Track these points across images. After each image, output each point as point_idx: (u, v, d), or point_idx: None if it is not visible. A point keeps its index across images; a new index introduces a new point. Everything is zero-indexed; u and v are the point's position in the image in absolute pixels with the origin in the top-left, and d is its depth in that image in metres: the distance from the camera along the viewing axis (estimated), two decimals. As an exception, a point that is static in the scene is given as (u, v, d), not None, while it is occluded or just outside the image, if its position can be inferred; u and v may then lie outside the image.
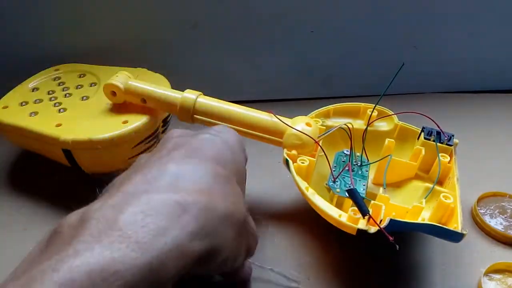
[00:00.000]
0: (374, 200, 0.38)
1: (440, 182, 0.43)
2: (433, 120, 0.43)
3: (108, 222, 0.21)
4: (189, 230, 0.22)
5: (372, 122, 0.46)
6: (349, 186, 0.40)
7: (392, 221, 0.32)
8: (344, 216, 0.34)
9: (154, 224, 0.21)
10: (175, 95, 0.44)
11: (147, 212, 0.21)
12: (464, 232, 0.33)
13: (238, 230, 0.26)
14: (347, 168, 0.42)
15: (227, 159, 0.29)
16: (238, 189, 0.28)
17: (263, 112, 0.43)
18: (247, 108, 0.43)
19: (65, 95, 0.51)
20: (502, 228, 0.44)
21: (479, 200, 0.47)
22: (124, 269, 0.19)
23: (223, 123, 0.43)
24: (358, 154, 0.45)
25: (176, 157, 0.27)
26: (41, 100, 0.50)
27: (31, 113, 0.48)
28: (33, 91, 0.52)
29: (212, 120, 0.43)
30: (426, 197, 0.40)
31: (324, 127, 0.45)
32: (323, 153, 0.40)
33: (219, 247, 0.24)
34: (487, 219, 0.45)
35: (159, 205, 0.22)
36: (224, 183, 0.26)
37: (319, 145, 0.41)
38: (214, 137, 0.30)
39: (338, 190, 0.41)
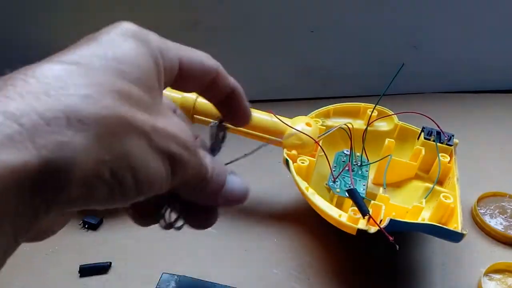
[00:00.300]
0: (374, 200, 0.38)
1: (440, 182, 0.43)
2: (433, 120, 0.43)
3: None
4: None
5: (372, 122, 0.46)
6: (349, 186, 0.40)
7: (392, 221, 0.32)
8: (344, 216, 0.34)
9: None
10: (175, 95, 0.44)
11: None
12: (464, 232, 0.33)
13: (111, 129, 0.18)
14: (347, 168, 0.42)
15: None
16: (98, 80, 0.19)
17: (263, 112, 0.43)
18: (247, 108, 0.43)
19: (65, 95, 0.51)
20: (502, 228, 0.44)
21: (479, 200, 0.47)
22: None
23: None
24: (358, 154, 0.45)
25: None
26: (41, 100, 0.50)
27: (31, 113, 0.48)
28: (33, 91, 0.52)
29: (212, 120, 0.43)
30: (426, 197, 0.40)
31: (324, 127, 0.45)
32: (323, 153, 0.40)
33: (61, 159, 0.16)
34: (487, 219, 0.45)
35: None
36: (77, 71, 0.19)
37: (319, 145, 0.41)
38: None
39: (338, 190, 0.41)
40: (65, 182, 0.16)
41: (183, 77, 0.24)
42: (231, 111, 0.27)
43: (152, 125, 0.20)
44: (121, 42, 0.20)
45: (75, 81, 0.18)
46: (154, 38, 0.22)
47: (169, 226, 0.25)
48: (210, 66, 0.25)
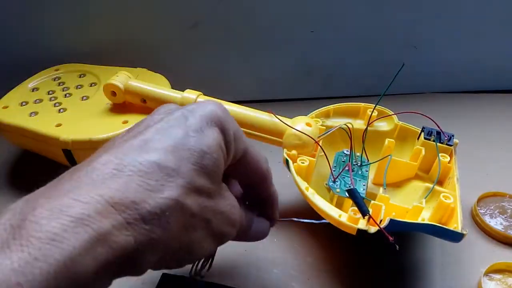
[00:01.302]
0: (374, 200, 0.38)
1: (440, 182, 0.43)
2: (433, 120, 0.43)
3: (14, 224, 0.18)
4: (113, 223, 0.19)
5: (372, 122, 0.46)
6: (349, 186, 0.40)
7: (392, 221, 0.32)
8: (344, 216, 0.34)
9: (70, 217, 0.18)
10: (175, 95, 0.44)
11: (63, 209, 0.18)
12: (464, 232, 0.33)
13: (183, 223, 0.22)
14: (347, 168, 0.42)
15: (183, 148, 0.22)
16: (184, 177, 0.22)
17: (263, 112, 0.43)
18: (247, 108, 0.43)
19: (65, 95, 0.51)
20: (502, 228, 0.44)
21: (479, 200, 0.47)
22: (25, 280, 0.16)
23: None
24: (358, 154, 0.45)
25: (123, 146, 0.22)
26: (41, 100, 0.50)
27: (31, 113, 0.48)
28: (33, 91, 0.52)
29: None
30: (426, 197, 0.40)
31: (324, 127, 0.45)
32: (323, 153, 0.40)
33: (152, 242, 0.20)
34: (487, 219, 0.45)
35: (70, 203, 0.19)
36: (166, 173, 0.21)
37: (319, 145, 0.41)
38: (182, 118, 0.23)
39: (338, 190, 0.41)
40: (140, 266, 0.21)
41: (238, 166, 0.27)
42: (262, 213, 0.31)
43: (214, 210, 0.24)
44: (206, 130, 0.23)
45: (168, 182, 0.21)
46: (233, 126, 0.25)
47: (197, 274, 0.32)
48: (263, 168, 0.29)
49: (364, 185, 0.42)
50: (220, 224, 0.24)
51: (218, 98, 0.44)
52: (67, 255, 0.17)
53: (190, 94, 0.44)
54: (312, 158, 0.40)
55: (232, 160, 0.25)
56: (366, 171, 0.44)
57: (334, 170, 0.43)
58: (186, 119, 0.23)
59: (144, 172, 0.20)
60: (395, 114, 0.46)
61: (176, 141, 0.22)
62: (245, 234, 0.29)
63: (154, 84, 0.46)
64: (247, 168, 0.27)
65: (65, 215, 0.18)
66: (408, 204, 0.39)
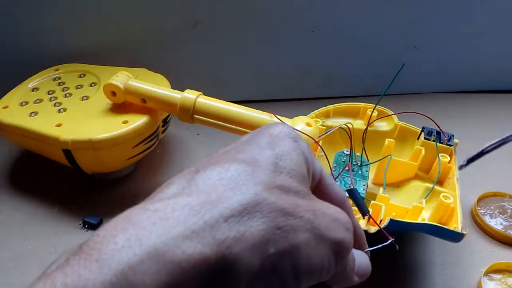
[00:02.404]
0: (374, 200, 0.38)
1: (440, 182, 0.43)
2: (433, 120, 0.43)
3: (83, 244, 0.17)
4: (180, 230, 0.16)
5: (372, 122, 0.46)
6: (349, 186, 0.40)
7: (392, 221, 0.32)
8: (344, 216, 0.34)
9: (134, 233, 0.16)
10: (175, 95, 0.44)
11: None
12: (464, 232, 0.33)
13: (273, 222, 0.19)
14: (347, 168, 0.42)
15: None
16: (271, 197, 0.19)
17: (263, 112, 0.43)
18: (247, 108, 0.43)
19: (65, 95, 0.51)
20: (502, 228, 0.44)
21: (479, 200, 0.47)
22: None
23: (224, 123, 0.43)
24: (358, 154, 0.45)
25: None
26: (41, 100, 0.50)
27: (31, 113, 0.48)
28: (33, 91, 0.52)
29: (212, 120, 0.43)
30: (426, 197, 0.40)
31: (324, 127, 0.45)
32: (323, 153, 0.40)
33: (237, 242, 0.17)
34: (487, 219, 0.45)
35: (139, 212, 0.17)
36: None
37: (319, 145, 0.41)
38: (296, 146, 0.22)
39: (338, 190, 0.40)
40: (235, 280, 0.17)
41: (317, 191, 0.24)
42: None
43: (313, 210, 0.20)
44: (278, 142, 0.22)
45: (245, 181, 0.19)
46: (305, 144, 0.23)
47: None
48: (342, 193, 0.25)
49: (364, 185, 0.42)
50: (328, 226, 0.20)
51: (218, 98, 0.44)
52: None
53: (190, 94, 0.44)
54: (312, 158, 0.40)
55: (313, 181, 0.23)
56: (366, 171, 0.44)
57: (334, 170, 0.43)
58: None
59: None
60: (395, 114, 0.46)
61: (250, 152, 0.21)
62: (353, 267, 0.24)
63: (154, 84, 0.46)
64: (326, 192, 0.25)
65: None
66: (408, 204, 0.39)
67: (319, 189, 0.24)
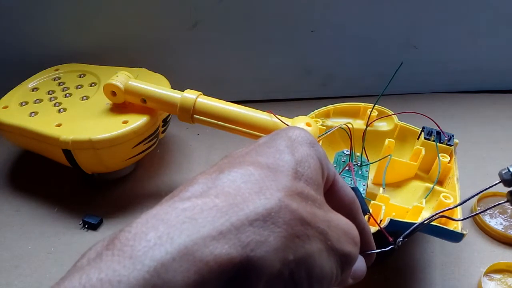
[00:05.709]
0: (374, 200, 0.38)
1: (440, 182, 0.43)
2: (433, 120, 0.43)
3: (114, 239, 0.17)
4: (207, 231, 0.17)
5: (372, 122, 0.46)
6: (351, 186, 0.40)
7: (392, 221, 0.32)
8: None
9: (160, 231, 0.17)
10: (175, 95, 0.44)
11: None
12: (464, 232, 0.33)
13: (294, 229, 0.19)
14: (347, 168, 0.42)
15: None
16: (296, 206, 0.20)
17: (263, 112, 0.43)
18: (247, 108, 0.43)
19: (65, 95, 0.51)
20: (502, 228, 0.44)
21: (479, 200, 0.47)
22: None
23: (224, 123, 0.43)
24: (358, 154, 0.45)
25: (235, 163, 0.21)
26: (41, 100, 0.50)
27: (31, 113, 0.48)
28: (33, 91, 0.52)
29: (212, 120, 0.43)
30: (426, 197, 0.40)
31: (324, 127, 0.45)
32: (323, 153, 0.40)
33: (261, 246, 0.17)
34: (487, 219, 0.45)
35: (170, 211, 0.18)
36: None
37: (319, 145, 0.41)
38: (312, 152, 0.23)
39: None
40: (255, 281, 0.17)
41: (329, 194, 0.24)
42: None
43: (328, 221, 0.21)
44: (297, 147, 0.22)
45: (268, 186, 0.19)
46: (321, 149, 0.24)
47: None
48: (353, 196, 0.26)
49: (364, 185, 0.42)
50: (340, 239, 0.21)
51: (218, 98, 0.44)
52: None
53: (190, 94, 0.44)
54: (312, 158, 0.40)
55: (326, 184, 0.24)
56: (366, 171, 0.44)
57: (334, 170, 0.43)
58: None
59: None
60: (395, 114, 0.46)
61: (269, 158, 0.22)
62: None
63: (154, 84, 0.46)
64: (338, 194, 0.25)
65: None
66: (408, 204, 0.39)
67: (331, 191, 0.25)
